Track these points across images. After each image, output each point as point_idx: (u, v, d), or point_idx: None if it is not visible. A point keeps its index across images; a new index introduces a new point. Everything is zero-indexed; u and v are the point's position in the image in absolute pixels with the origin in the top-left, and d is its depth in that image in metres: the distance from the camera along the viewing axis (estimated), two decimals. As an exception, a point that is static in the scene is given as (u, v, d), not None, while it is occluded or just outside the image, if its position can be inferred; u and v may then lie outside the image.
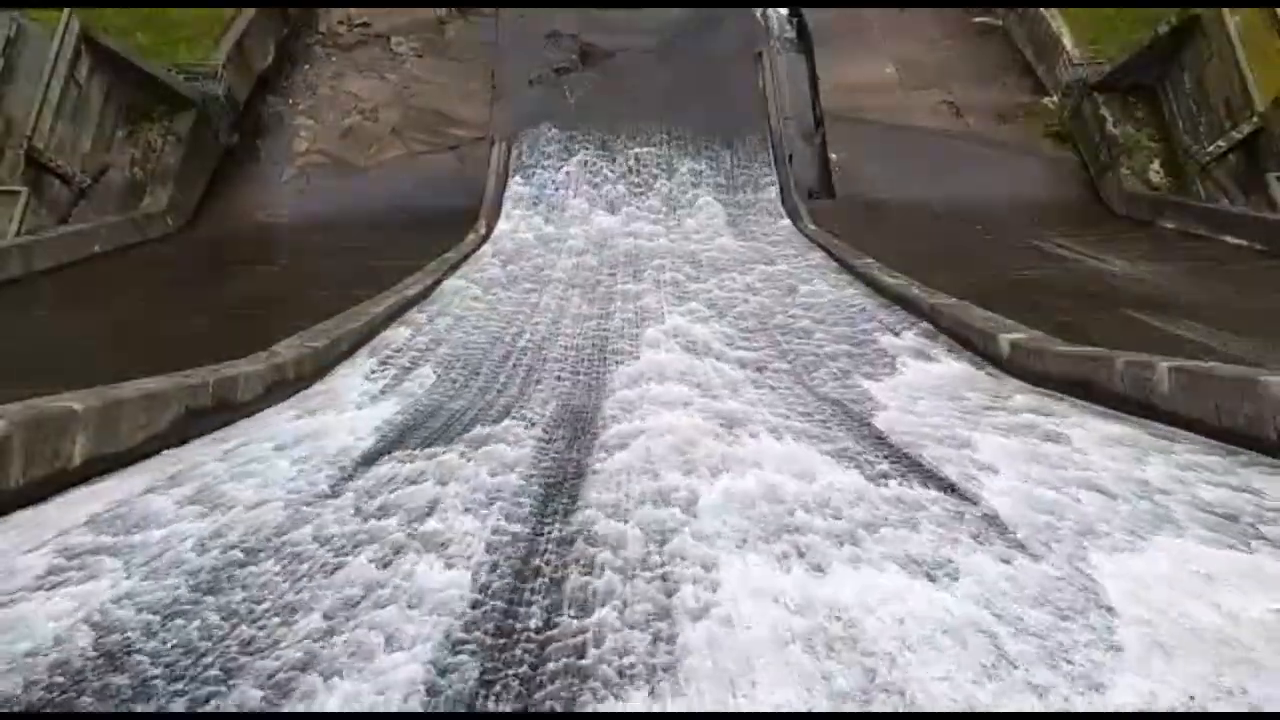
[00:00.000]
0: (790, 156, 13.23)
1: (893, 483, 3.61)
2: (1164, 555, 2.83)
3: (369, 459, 4.17)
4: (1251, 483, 3.34)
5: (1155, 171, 11.65)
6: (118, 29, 12.07)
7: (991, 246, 10.10)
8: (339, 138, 13.71)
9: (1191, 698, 2.10)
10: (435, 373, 6.27)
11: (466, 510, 3.43)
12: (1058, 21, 13.44)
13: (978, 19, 15.27)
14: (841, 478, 3.67)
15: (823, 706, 2.15)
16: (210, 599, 2.75)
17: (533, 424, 4.75)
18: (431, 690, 2.27)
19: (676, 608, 2.62)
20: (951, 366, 6.04)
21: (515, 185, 12.96)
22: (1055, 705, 2.12)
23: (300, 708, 2.22)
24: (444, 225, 11.32)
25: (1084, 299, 7.33)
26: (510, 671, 2.37)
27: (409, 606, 2.67)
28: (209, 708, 2.22)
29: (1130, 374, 4.44)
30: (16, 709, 2.19)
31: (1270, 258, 8.67)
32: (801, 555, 2.94)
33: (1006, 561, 2.86)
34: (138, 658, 2.44)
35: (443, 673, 2.33)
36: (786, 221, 11.98)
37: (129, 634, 2.56)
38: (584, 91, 14.42)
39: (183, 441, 4.36)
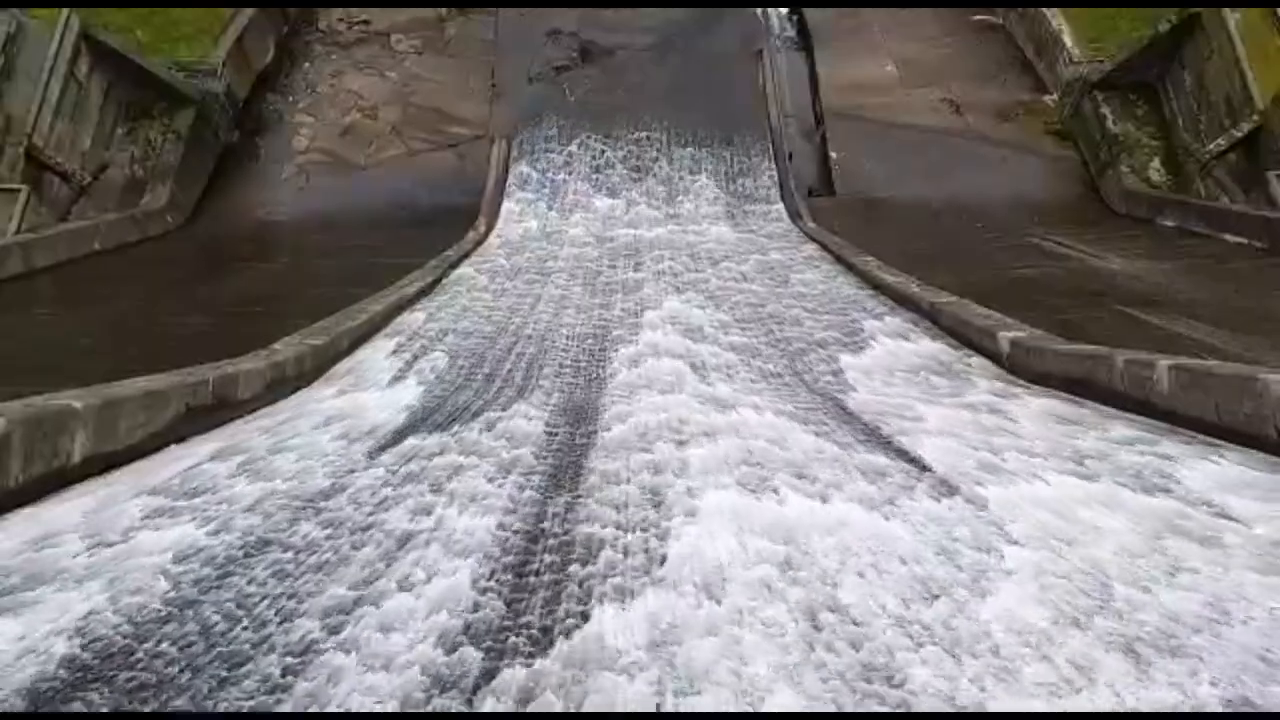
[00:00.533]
0: (790, 154, 13.32)
1: (860, 449, 4.21)
2: (1068, 497, 3.47)
3: (384, 445, 4.54)
4: (1168, 452, 3.89)
5: (1155, 169, 11.73)
6: (117, 27, 12.27)
7: (991, 244, 10.23)
8: (339, 135, 13.83)
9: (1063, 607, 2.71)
10: (446, 359, 6.61)
11: (487, 478, 3.97)
12: (1058, 19, 13.57)
13: (978, 17, 15.37)
14: (817, 442, 4.28)
15: (780, 614, 2.71)
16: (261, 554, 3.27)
17: (541, 405, 5.27)
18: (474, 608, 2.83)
19: (668, 542, 3.25)
20: (927, 347, 6.56)
21: (515, 182, 13.01)
22: (952, 604, 2.74)
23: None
24: (444, 223, 11.48)
25: (1084, 297, 7.43)
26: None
27: (444, 550, 3.24)
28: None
29: (1130, 372, 4.48)
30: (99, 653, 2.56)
31: (1270, 256, 8.74)
32: (773, 497, 3.60)
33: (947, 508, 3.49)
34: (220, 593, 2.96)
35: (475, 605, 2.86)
36: (786, 219, 12.06)
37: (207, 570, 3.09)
38: (584, 89, 14.47)
39: (181, 439, 4.35)
